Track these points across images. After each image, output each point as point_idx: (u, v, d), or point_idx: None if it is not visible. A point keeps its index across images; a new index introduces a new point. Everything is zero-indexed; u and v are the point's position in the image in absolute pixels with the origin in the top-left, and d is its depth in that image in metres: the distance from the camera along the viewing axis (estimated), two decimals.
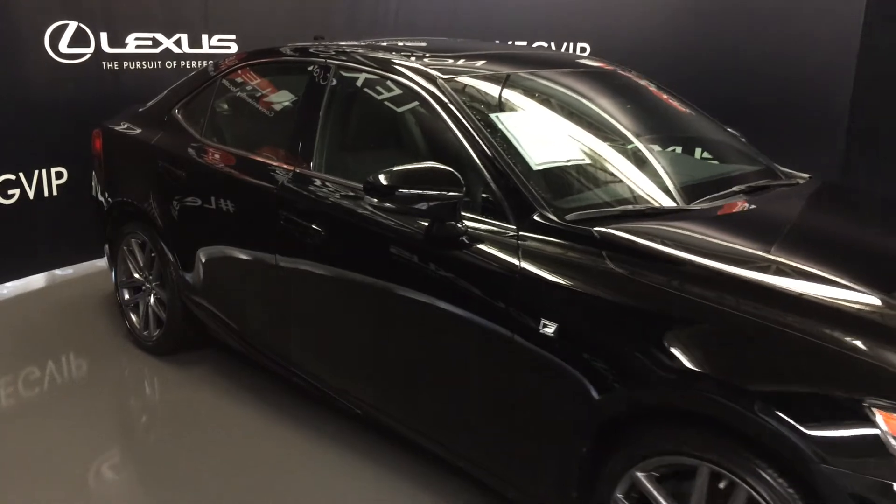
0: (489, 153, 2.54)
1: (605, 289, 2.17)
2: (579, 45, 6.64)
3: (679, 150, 3.14)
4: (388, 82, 2.95)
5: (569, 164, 2.69)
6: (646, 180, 2.77)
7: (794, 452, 1.78)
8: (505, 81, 3.04)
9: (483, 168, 2.53)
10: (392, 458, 3.02)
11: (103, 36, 5.21)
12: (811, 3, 6.05)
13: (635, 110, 3.26)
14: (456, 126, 2.65)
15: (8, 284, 4.89)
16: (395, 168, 2.45)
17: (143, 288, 3.97)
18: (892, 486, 1.69)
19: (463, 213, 2.51)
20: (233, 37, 5.87)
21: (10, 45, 4.75)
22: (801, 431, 1.77)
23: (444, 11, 6.74)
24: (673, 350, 1.99)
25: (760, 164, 3.23)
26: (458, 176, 2.44)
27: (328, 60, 3.19)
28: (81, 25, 5.08)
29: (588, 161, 2.77)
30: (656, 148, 3.03)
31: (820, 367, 1.85)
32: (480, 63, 3.15)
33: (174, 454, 3.12)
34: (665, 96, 3.52)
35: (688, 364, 1.96)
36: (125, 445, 3.25)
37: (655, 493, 2.08)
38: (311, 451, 3.11)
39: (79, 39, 5.08)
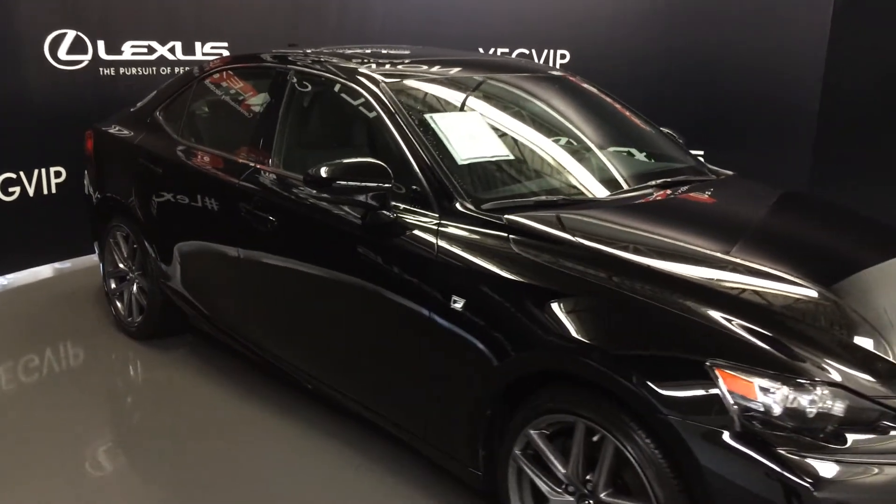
0: (419, 149, 2.82)
1: (506, 268, 2.44)
2: (559, 51, 6.90)
3: (611, 148, 3.39)
4: (337, 85, 3.24)
5: (494, 159, 2.96)
6: (566, 174, 3.05)
7: (647, 406, 2.04)
8: (445, 84, 3.32)
9: (413, 162, 2.81)
10: (336, 427, 3.29)
11: (100, 44, 5.54)
12: (781, 11, 6.27)
13: (571, 111, 3.53)
14: (392, 124, 2.92)
15: (9, 276, 5.21)
16: (333, 162, 2.73)
17: (128, 277, 4.27)
18: (723, 433, 1.94)
19: (395, 204, 2.78)
20: (225, 44, 6.18)
21: (12, 53, 5.08)
22: (653, 389, 2.03)
23: (428, 20, 7.02)
24: (556, 321, 2.26)
25: (686, 162, 3.48)
26: (388, 169, 2.72)
27: (288, 66, 3.48)
28: (80, 34, 5.41)
29: (513, 157, 3.04)
30: (584, 145, 3.29)
31: (673, 333, 2.12)
32: (427, 68, 3.43)
33: (154, 428, 3.40)
34: (608, 100, 3.78)
35: (566, 333, 2.22)
36: (110, 420, 3.53)
37: (545, 448, 2.34)
38: (266, 423, 3.38)
39: (77, 47, 5.41)
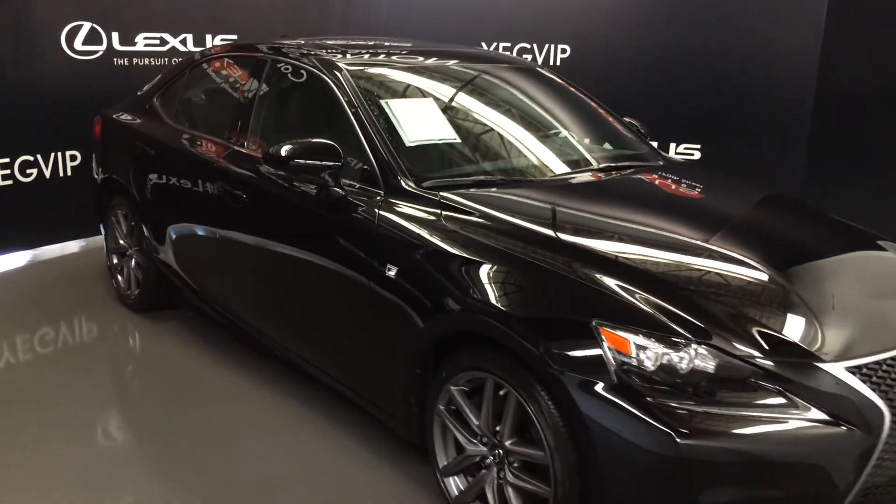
0: (370, 132, 3.06)
1: (433, 239, 2.68)
2: (560, 46, 7.08)
3: (564, 135, 3.59)
4: (304, 72, 3.49)
5: (441, 142, 3.19)
6: (510, 157, 3.28)
7: (540, 362, 2.25)
8: (407, 73, 3.57)
9: (365, 144, 3.05)
10: (302, 392, 3.55)
11: (115, 35, 5.87)
12: (777, 7, 6.39)
13: (531, 100, 3.74)
14: (349, 109, 3.17)
15: (25, 253, 5.56)
16: (290, 142, 2.98)
17: (127, 253, 4.58)
18: (602, 385, 2.15)
19: (349, 182, 3.03)
20: (234, 36, 6.47)
21: (31, 44, 5.43)
22: (547, 347, 2.25)
23: (432, 15, 7.24)
24: (468, 286, 2.49)
25: (638, 150, 3.68)
26: (339, 149, 2.96)
27: (265, 55, 3.74)
28: (95, 26, 5.74)
29: (460, 140, 3.26)
30: (536, 132, 3.51)
31: (567, 297, 2.34)
32: (395, 57, 3.66)
33: (149, 395, 3.71)
34: (573, 91, 3.98)
35: (476, 297, 2.45)
36: (109, 386, 3.82)
37: (462, 403, 2.57)
38: (242, 390, 3.66)
39: (92, 38, 5.75)
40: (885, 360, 2.28)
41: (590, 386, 2.17)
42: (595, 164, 3.38)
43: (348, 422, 3.31)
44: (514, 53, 7.18)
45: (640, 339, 2.16)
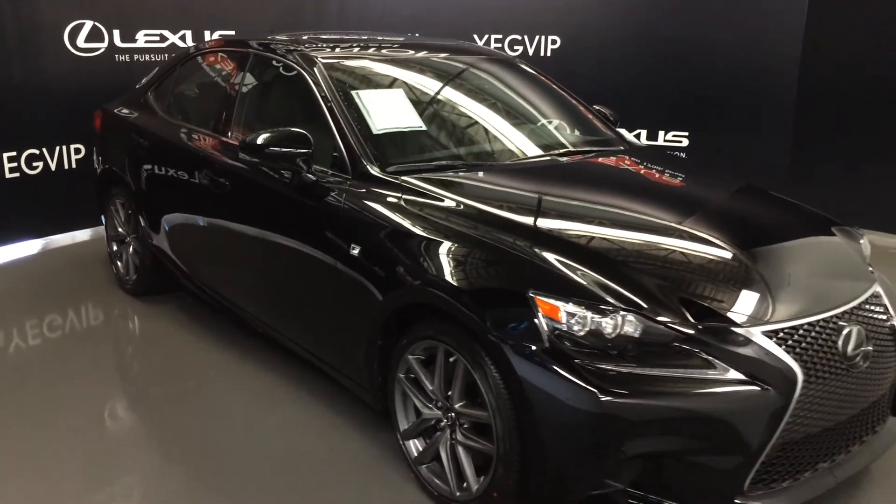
0: (340, 120, 3.26)
1: (392, 219, 2.88)
2: (550, 37, 7.25)
3: (530, 122, 3.78)
4: (281, 65, 3.70)
5: (408, 129, 3.39)
6: (474, 144, 3.48)
7: (482, 329, 2.45)
8: (380, 65, 3.77)
9: (335, 132, 3.25)
10: (283, 366, 3.77)
11: (116, 33, 6.11)
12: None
13: (501, 90, 3.93)
14: (322, 99, 3.37)
15: (32, 242, 5.82)
16: (264, 131, 3.19)
17: (126, 240, 4.81)
18: (535, 349, 2.34)
19: (321, 168, 3.24)
20: (233, 32, 6.69)
21: (35, 42, 5.67)
22: (488, 315, 2.45)
23: (426, 9, 7.42)
24: (421, 262, 2.69)
25: (602, 136, 3.86)
26: (309, 137, 3.17)
27: (248, 49, 3.95)
28: (96, 24, 5.98)
29: (427, 128, 3.46)
30: (503, 119, 3.69)
31: (508, 271, 2.53)
32: (372, 50, 3.86)
33: (146, 373, 3.97)
34: (546, 81, 4.17)
35: (427, 271, 2.66)
36: (110, 366, 4.05)
37: (419, 371, 2.77)
38: (230, 366, 3.88)
39: (94, 36, 5.98)
40: (801, 325, 2.46)
41: (526, 351, 2.37)
42: (556, 149, 3.56)
43: (325, 394, 3.52)
44: (506, 45, 7.36)
45: (571, 307, 2.36)
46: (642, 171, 3.49)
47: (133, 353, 4.23)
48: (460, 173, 3.16)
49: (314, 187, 3.20)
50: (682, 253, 2.69)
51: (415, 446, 2.87)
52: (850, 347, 2.51)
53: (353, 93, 3.42)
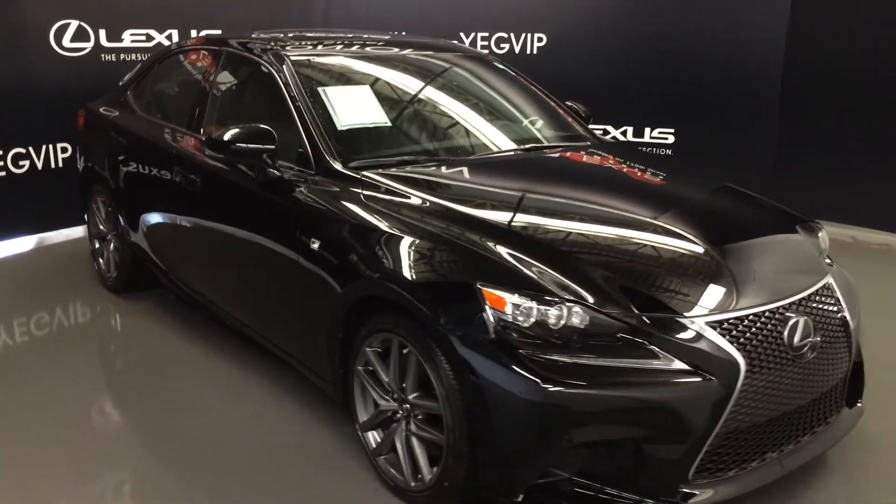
0: (305, 117, 3.30)
1: (350, 213, 2.92)
2: (536, 35, 7.28)
3: (498, 119, 3.83)
4: (253, 63, 3.74)
5: (372, 126, 3.43)
6: (437, 140, 3.52)
7: (432, 321, 2.49)
8: (351, 62, 3.81)
9: (300, 128, 3.29)
10: (254, 361, 3.81)
11: (102, 32, 6.16)
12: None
13: (471, 87, 3.97)
14: (289, 96, 3.41)
15: (17, 240, 5.87)
16: (229, 127, 3.23)
17: (107, 238, 4.86)
18: (482, 339, 2.38)
19: (287, 164, 3.28)
20: (219, 32, 6.73)
21: (20, 42, 5.72)
22: (437, 307, 2.49)
23: (412, 7, 7.46)
24: (376, 255, 2.73)
25: (570, 132, 3.90)
26: (273, 133, 3.21)
27: (222, 48, 4.00)
28: (82, 24, 6.03)
29: (391, 124, 3.50)
30: (469, 116, 3.73)
31: (458, 263, 2.57)
32: (344, 47, 3.90)
33: (118, 365, 4.06)
34: (519, 79, 4.20)
35: (381, 264, 2.70)
36: (91, 359, 4.10)
37: (376, 363, 2.81)
38: (205, 362, 3.94)
39: (80, 36, 6.04)
40: (746, 316, 2.49)
41: (472, 341, 2.41)
42: (521, 144, 3.60)
43: (295, 388, 3.56)
44: (492, 43, 7.39)
45: (516, 299, 2.39)
46: (604, 165, 3.53)
47: (110, 349, 4.28)
48: (420, 168, 3.20)
49: (279, 183, 3.24)
50: (631, 244, 2.73)
51: (373, 438, 2.91)
52: (796, 338, 2.54)
53: (321, 90, 3.46)
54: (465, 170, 3.24)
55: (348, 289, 2.83)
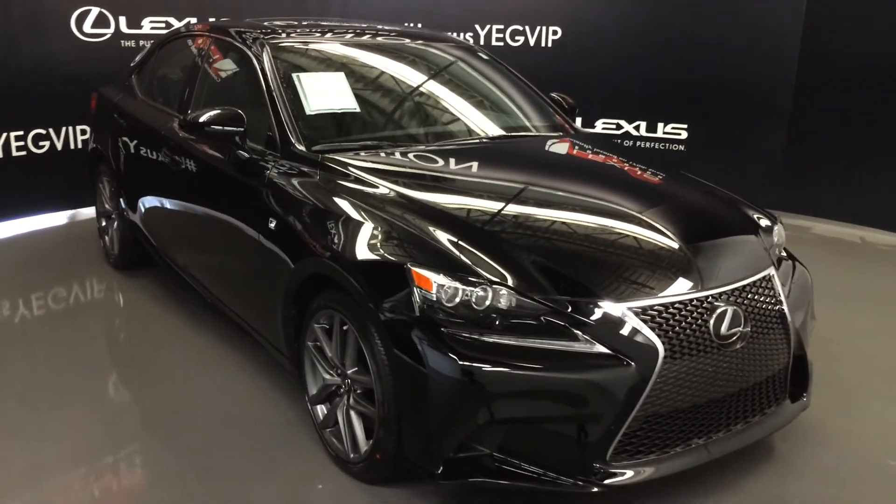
0: (276, 101, 3.42)
1: (305, 195, 3.03)
2: (551, 28, 7.31)
3: (473, 107, 3.90)
4: (236, 49, 3.87)
5: (341, 111, 3.53)
6: (405, 125, 3.61)
7: (364, 298, 2.59)
8: (329, 50, 3.91)
9: (271, 112, 3.41)
10: (231, 335, 3.95)
11: (122, 19, 6.38)
12: None
13: (448, 76, 4.04)
14: (263, 81, 3.53)
15: (35, 218, 6.13)
16: (201, 110, 3.37)
17: (112, 216, 5.06)
18: (408, 317, 2.47)
19: (258, 146, 3.40)
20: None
21: (42, 27, 5.96)
22: (369, 285, 2.59)
23: None
24: (319, 234, 2.84)
25: (549, 121, 3.95)
26: (243, 116, 3.34)
27: (210, 34, 4.14)
28: (103, 10, 6.25)
29: (360, 110, 3.59)
30: (441, 103, 3.81)
31: (393, 243, 2.65)
32: (329, 36, 4.01)
33: (108, 337, 4.24)
34: (502, 68, 4.27)
35: (322, 243, 2.80)
36: (91, 331, 4.29)
37: (321, 338, 2.92)
38: (189, 336, 4.11)
39: (100, 22, 6.26)
40: (671, 303, 2.53)
41: (400, 319, 2.50)
42: (487, 133, 3.68)
43: (265, 363, 3.69)
44: (507, 35, 7.44)
45: (442, 279, 2.47)
46: (564, 154, 3.58)
47: (99, 322, 4.43)
48: (379, 153, 3.29)
49: (247, 164, 3.36)
50: (566, 229, 2.80)
51: (321, 411, 3.02)
52: (723, 327, 2.57)
53: (295, 76, 3.57)
54: (422, 156, 3.31)
55: (297, 267, 2.94)
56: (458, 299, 2.46)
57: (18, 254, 5.51)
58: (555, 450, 2.49)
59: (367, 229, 2.74)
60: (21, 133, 5.99)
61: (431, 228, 2.66)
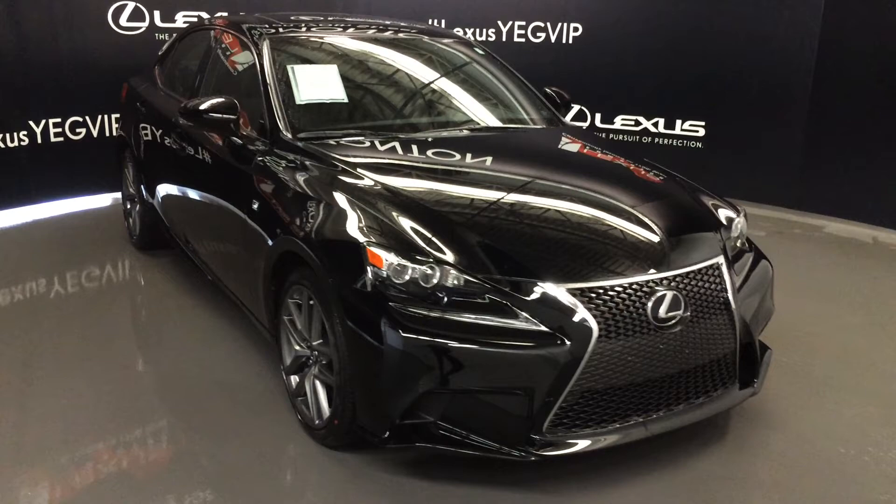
0: (270, 91, 3.65)
1: (284, 179, 3.24)
2: (572, 25, 7.43)
3: (460, 100, 4.08)
4: (240, 42, 4.10)
5: (330, 101, 3.74)
6: (389, 116, 3.81)
7: (324, 273, 2.79)
8: (327, 43, 4.12)
9: (264, 101, 3.64)
10: (232, 310, 4.20)
11: (156, 13, 6.71)
12: None
13: (439, 69, 4.22)
14: (260, 72, 3.77)
15: (71, 200, 6.49)
16: (201, 99, 3.61)
17: (135, 199, 5.36)
18: (360, 292, 2.67)
19: (251, 133, 3.63)
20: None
21: (80, 20, 6.32)
22: (329, 262, 2.79)
23: None
24: (290, 216, 3.05)
25: (532, 115, 4.11)
26: (237, 104, 3.58)
27: (220, 27, 4.39)
28: (139, 5, 6.59)
29: (348, 101, 3.79)
30: (430, 96, 4.00)
31: (353, 223, 2.85)
32: (330, 29, 4.22)
33: (123, 307, 4.53)
34: (496, 62, 4.43)
35: (292, 224, 3.02)
36: (92, 304, 4.62)
37: (294, 312, 3.13)
38: (196, 311, 4.38)
39: (136, 16, 6.60)
40: (609, 286, 2.68)
41: (354, 293, 2.70)
42: (470, 125, 3.86)
43: (258, 338, 3.92)
44: (529, 31, 7.57)
45: (393, 258, 2.66)
46: (535, 143, 3.74)
47: (116, 298, 4.73)
48: (358, 141, 3.49)
49: (240, 150, 3.60)
50: (515, 212, 2.97)
51: (294, 381, 3.23)
52: (661, 311, 2.71)
53: (289, 67, 3.79)
54: (398, 145, 3.50)
55: (273, 245, 3.16)
56: (407, 276, 2.64)
57: (52, 233, 5.86)
58: (494, 420, 2.65)
59: (332, 211, 2.95)
60: (59, 120, 6.35)
61: (390, 210, 2.86)
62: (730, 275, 2.98)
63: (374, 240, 2.74)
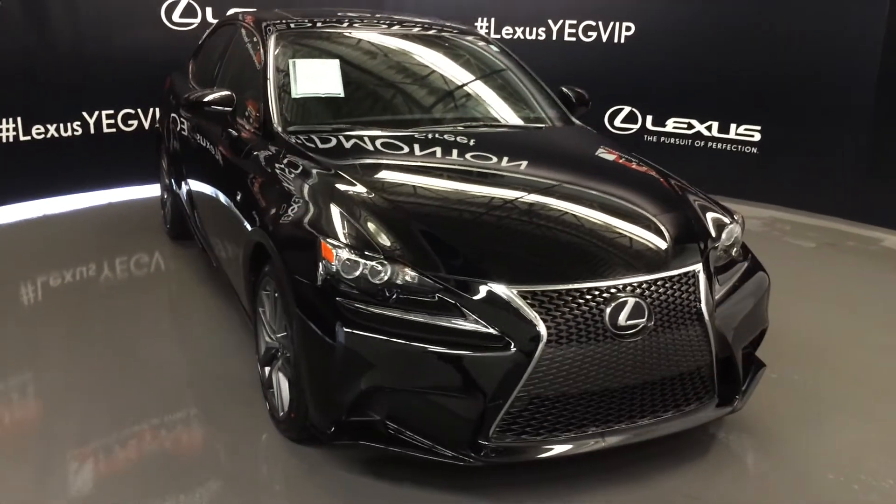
0: (268, 85, 3.68)
1: (265, 170, 3.26)
2: (625, 24, 7.24)
3: (459, 97, 4.03)
4: (254, 37, 4.14)
5: (325, 96, 3.74)
6: (380, 111, 3.80)
7: (284, 268, 2.79)
8: (334, 39, 4.13)
9: (262, 94, 3.67)
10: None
11: (208, 10, 6.87)
12: None
13: (445, 66, 4.17)
14: (263, 65, 3.80)
15: (120, 190, 6.72)
16: (203, 92, 3.67)
17: (171, 190, 5.51)
18: (313, 286, 2.65)
19: (250, 126, 3.67)
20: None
21: (134, 16, 6.54)
22: (288, 255, 2.79)
23: None
24: (261, 208, 3.07)
25: (542, 114, 4.01)
26: (233, 97, 3.62)
27: (238, 22, 4.46)
28: (191, 1, 6.77)
29: (344, 96, 3.77)
30: (427, 91, 3.95)
31: (314, 218, 2.84)
32: (342, 25, 4.23)
33: (142, 292, 4.66)
34: (507, 59, 4.35)
35: (259, 215, 3.03)
36: (115, 287, 4.79)
37: (266, 303, 3.14)
38: (207, 300, 4.48)
39: (188, 12, 6.78)
40: (563, 290, 2.58)
41: (306, 287, 2.68)
42: (466, 122, 3.80)
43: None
44: (580, 30, 7.42)
45: (345, 253, 2.64)
46: (529, 144, 3.64)
47: (134, 283, 4.86)
48: (339, 136, 3.47)
49: (235, 141, 3.64)
50: (475, 212, 2.92)
51: (266, 371, 3.24)
52: (620, 318, 2.59)
53: (291, 61, 3.81)
54: (382, 141, 3.46)
55: (247, 237, 3.18)
56: (357, 272, 2.61)
57: (97, 221, 6.07)
58: (441, 422, 2.59)
59: (297, 204, 2.94)
60: (111, 112, 6.58)
61: (352, 205, 2.83)
62: (708, 285, 2.82)
63: (330, 234, 2.72)
